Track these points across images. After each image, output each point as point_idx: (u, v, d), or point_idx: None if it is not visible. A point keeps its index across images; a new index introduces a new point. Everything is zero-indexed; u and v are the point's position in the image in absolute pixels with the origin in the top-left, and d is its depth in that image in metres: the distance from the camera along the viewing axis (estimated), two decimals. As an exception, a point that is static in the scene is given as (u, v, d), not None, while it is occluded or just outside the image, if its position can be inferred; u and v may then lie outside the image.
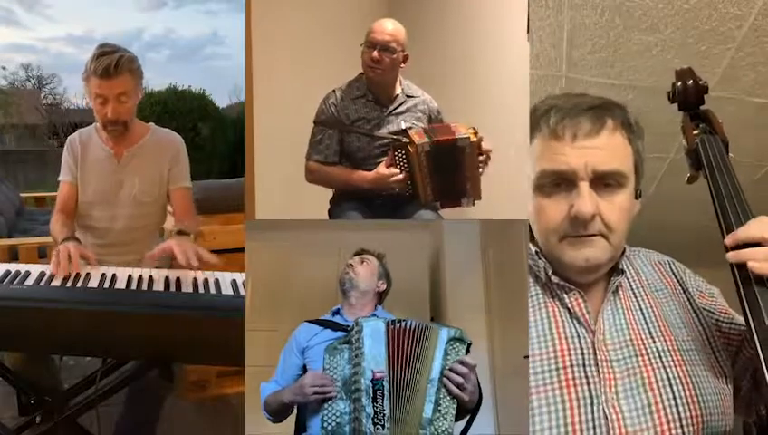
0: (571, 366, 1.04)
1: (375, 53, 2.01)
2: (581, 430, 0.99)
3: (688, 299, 1.19)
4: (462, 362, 1.26)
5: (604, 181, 1.06)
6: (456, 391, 1.23)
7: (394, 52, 2.03)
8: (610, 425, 0.99)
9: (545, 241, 1.11)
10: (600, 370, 1.04)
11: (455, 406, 1.24)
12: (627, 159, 1.09)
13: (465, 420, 1.31)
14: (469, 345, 1.30)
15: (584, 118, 1.06)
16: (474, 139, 1.97)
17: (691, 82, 1.27)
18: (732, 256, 0.97)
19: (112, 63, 1.80)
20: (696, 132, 1.22)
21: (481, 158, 2.01)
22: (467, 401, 1.26)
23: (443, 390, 1.24)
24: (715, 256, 1.07)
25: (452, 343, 1.27)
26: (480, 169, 2.02)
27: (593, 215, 1.04)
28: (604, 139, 1.06)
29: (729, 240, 0.98)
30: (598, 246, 1.07)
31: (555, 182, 1.07)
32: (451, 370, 1.25)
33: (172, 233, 1.90)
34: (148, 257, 1.69)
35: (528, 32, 2.47)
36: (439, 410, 1.22)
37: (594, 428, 0.99)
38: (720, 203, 1.07)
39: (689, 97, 1.27)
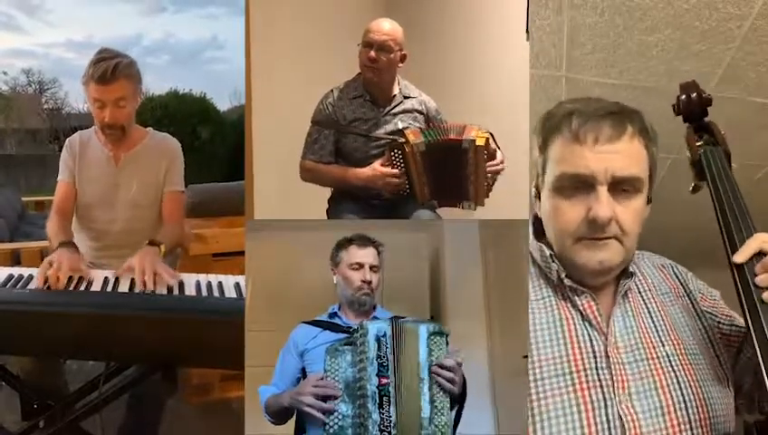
0: (585, 369, 1.04)
1: (372, 53, 2.00)
2: (597, 432, 0.99)
3: (691, 302, 1.20)
4: (448, 357, 1.25)
5: (622, 186, 1.07)
6: (447, 386, 1.23)
7: (391, 51, 2.01)
8: (626, 426, 1.00)
9: (560, 242, 1.12)
10: (614, 371, 1.04)
11: (448, 399, 1.23)
12: (643, 165, 1.11)
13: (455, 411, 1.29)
14: (447, 335, 1.29)
15: (605, 123, 1.07)
16: (480, 143, 1.94)
17: (695, 94, 1.30)
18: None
19: (109, 69, 1.81)
20: (699, 144, 1.25)
21: (492, 166, 1.98)
22: (458, 394, 1.26)
23: (435, 386, 1.23)
24: (716, 257, 1.08)
25: (432, 337, 1.26)
26: (489, 175, 1.99)
27: (610, 219, 1.06)
28: (624, 144, 1.08)
29: (738, 257, 0.99)
30: (612, 249, 1.08)
31: (574, 185, 1.08)
32: (440, 366, 1.23)
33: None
34: (118, 274, 1.64)
35: (528, 32, 2.47)
36: (436, 407, 1.21)
37: (609, 429, 1.00)
38: (722, 215, 1.09)
39: (693, 109, 1.30)
